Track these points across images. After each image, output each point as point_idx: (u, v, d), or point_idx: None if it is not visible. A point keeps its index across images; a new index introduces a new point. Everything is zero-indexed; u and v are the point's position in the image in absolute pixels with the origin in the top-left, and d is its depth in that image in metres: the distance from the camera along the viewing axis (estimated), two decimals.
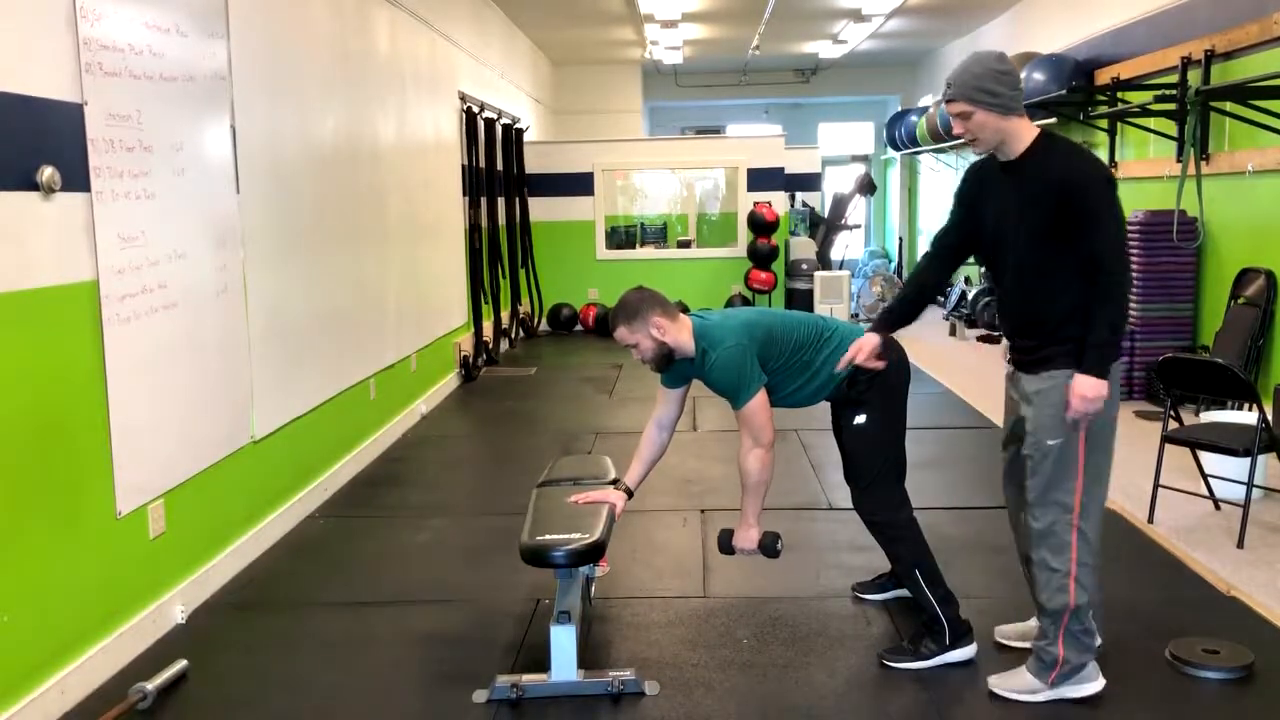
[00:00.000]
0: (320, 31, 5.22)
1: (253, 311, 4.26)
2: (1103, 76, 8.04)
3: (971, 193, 3.05)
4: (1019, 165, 2.84)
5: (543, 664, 3.04)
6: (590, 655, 3.22)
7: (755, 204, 10.94)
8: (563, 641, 2.99)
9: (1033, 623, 3.10)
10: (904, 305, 3.25)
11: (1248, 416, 4.60)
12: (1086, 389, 2.76)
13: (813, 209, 12.77)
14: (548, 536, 3.02)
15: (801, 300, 10.81)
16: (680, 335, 3.22)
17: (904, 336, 3.44)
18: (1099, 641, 2.96)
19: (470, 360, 8.25)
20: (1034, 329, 2.90)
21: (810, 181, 12.61)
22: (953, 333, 10.34)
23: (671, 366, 3.33)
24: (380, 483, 5.40)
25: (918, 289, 3.26)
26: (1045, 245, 2.81)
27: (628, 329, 3.23)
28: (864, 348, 3.13)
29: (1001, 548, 4.18)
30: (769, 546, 3.35)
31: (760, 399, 3.16)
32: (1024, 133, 2.83)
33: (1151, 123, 7.14)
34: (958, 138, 11.83)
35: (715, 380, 3.21)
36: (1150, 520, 4.39)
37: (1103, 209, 2.75)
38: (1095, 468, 2.89)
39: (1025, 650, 3.07)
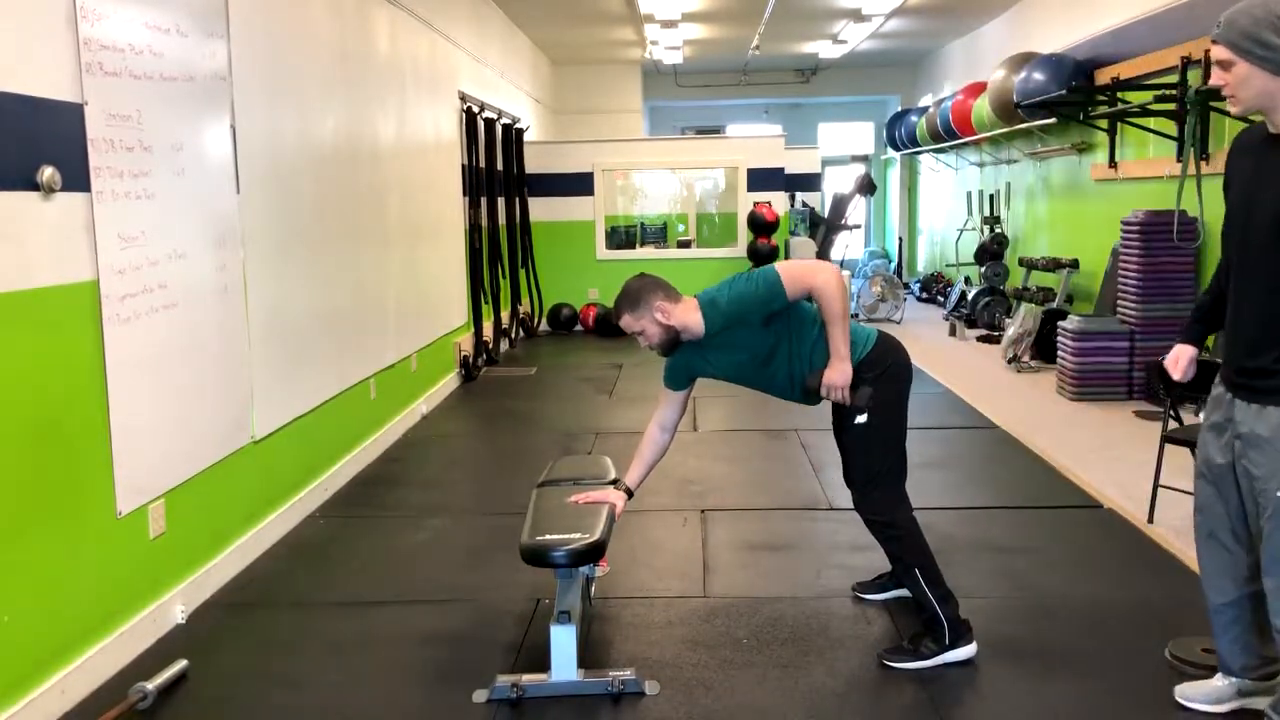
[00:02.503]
0: (320, 31, 5.22)
1: (253, 311, 4.26)
2: (1103, 76, 8.04)
3: (1229, 170, 2.58)
4: None
5: (543, 664, 3.04)
6: (590, 655, 3.22)
7: (755, 204, 10.95)
8: (563, 641, 2.99)
9: (1217, 682, 2.83)
10: (1204, 311, 2.84)
11: None
12: None
13: (813, 209, 12.77)
14: (548, 536, 3.02)
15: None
16: (686, 315, 3.17)
17: (904, 336, 3.44)
18: None
19: (470, 360, 8.26)
20: (1258, 350, 2.45)
21: (810, 181, 12.61)
22: (953, 333, 10.34)
23: (669, 360, 3.31)
24: (380, 483, 5.40)
25: (1214, 296, 2.78)
26: None
27: (632, 316, 3.19)
28: (1179, 359, 2.78)
29: (1002, 548, 4.19)
30: (861, 396, 3.11)
31: (784, 262, 3.17)
32: None
33: (1151, 123, 7.14)
34: (958, 137, 11.84)
35: (742, 303, 3.10)
36: (1150, 520, 4.39)
37: None
38: None
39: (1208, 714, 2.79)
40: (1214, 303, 2.77)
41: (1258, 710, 2.78)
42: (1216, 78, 2.44)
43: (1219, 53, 2.39)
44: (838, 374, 3.10)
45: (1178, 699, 2.89)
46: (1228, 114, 6.00)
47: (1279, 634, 2.51)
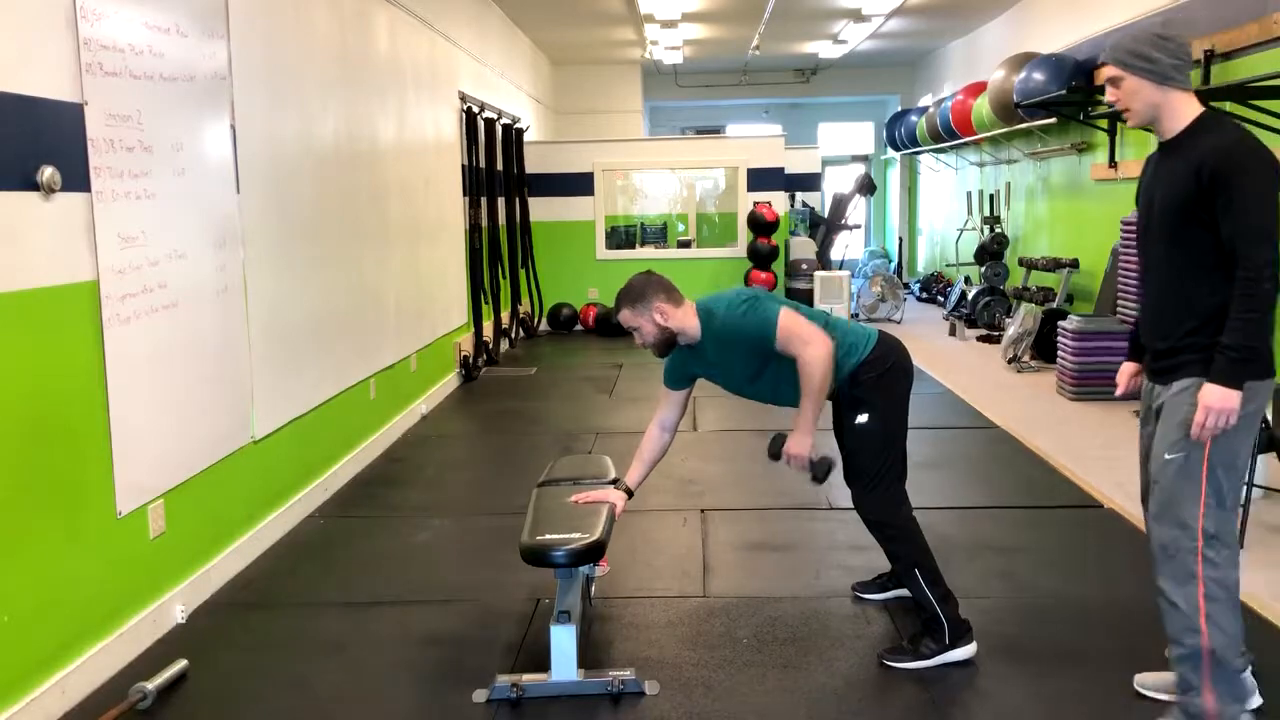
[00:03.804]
0: (320, 31, 5.23)
1: (253, 311, 4.26)
2: (1103, 76, 8.03)
3: (1142, 181, 2.76)
4: (1174, 145, 2.59)
5: (543, 664, 3.04)
6: (590, 655, 3.22)
7: (755, 204, 10.95)
8: (563, 641, 2.99)
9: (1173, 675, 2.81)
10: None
11: None
12: (1213, 399, 2.46)
13: (813, 209, 12.78)
14: (548, 536, 3.02)
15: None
16: (685, 319, 3.19)
17: (904, 336, 3.44)
18: (1253, 688, 2.72)
19: (470, 360, 8.26)
20: (1167, 332, 2.62)
21: (810, 181, 12.62)
22: (953, 333, 10.34)
23: (669, 359, 3.32)
24: (380, 483, 5.40)
25: None
26: (1182, 232, 2.54)
27: (631, 312, 3.21)
28: (1121, 376, 2.94)
29: (1001, 548, 4.19)
30: (819, 468, 3.18)
31: (789, 312, 3.08)
32: (1182, 109, 2.57)
33: None
34: (958, 137, 11.83)
35: (732, 335, 3.12)
36: None
37: (1244, 188, 2.43)
38: (1221, 490, 2.55)
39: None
40: None
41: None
42: (1110, 95, 2.66)
43: (1109, 71, 2.61)
44: (797, 446, 3.16)
45: (1135, 686, 2.95)
46: (1228, 114, 6.02)
47: (1159, 594, 2.64)
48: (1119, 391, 2.99)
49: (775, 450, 3.21)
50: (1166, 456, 2.59)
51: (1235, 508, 2.62)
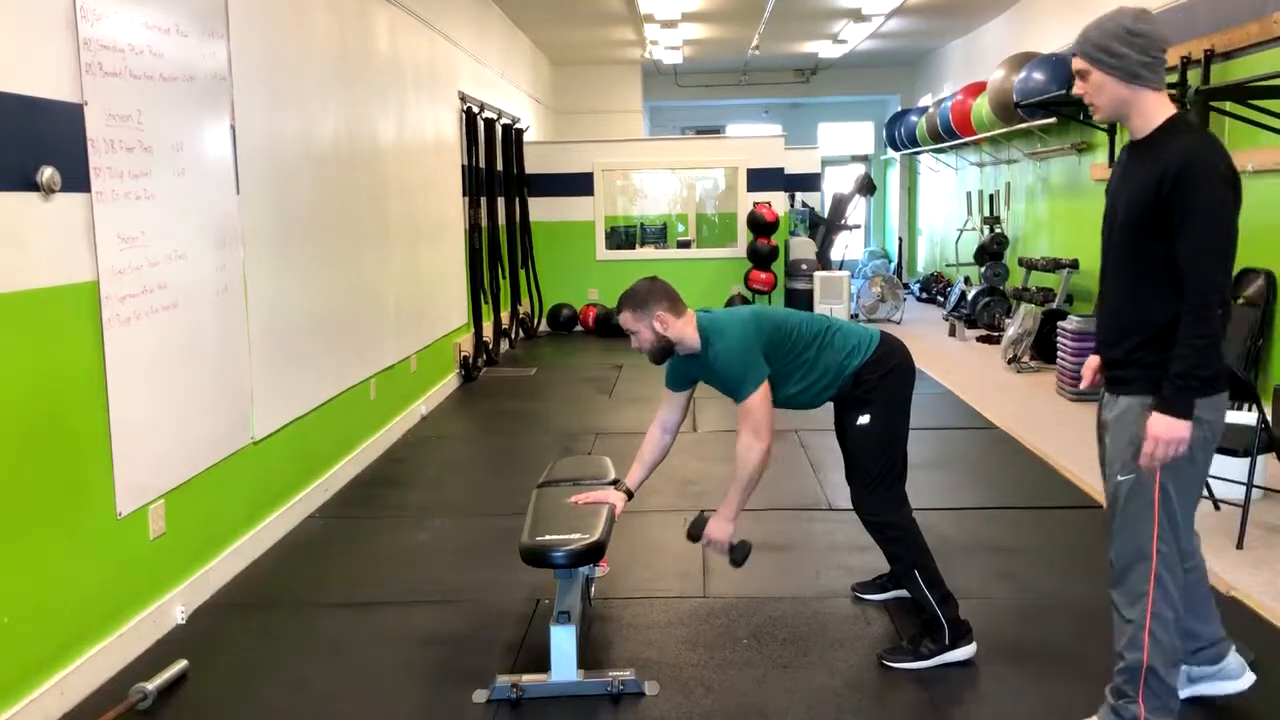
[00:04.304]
0: (320, 31, 5.23)
1: (253, 311, 4.26)
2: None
3: (1111, 180, 2.69)
4: (1144, 145, 2.50)
5: (543, 664, 3.04)
6: (590, 655, 3.22)
7: (755, 204, 10.95)
8: (563, 641, 2.99)
9: None
10: None
11: (1247, 417, 4.59)
12: (1159, 429, 2.39)
13: (813, 209, 12.78)
14: (548, 536, 3.03)
15: (801, 300, 10.82)
16: (685, 330, 3.22)
17: (904, 336, 3.44)
18: (1241, 668, 2.80)
19: (470, 360, 8.26)
20: (1119, 342, 2.56)
21: (810, 181, 12.61)
22: (952, 333, 10.34)
23: (670, 360, 3.33)
24: (380, 483, 5.41)
25: None
26: (1141, 243, 2.47)
27: (631, 315, 3.23)
28: (1087, 368, 2.87)
29: (1001, 548, 4.19)
30: (737, 552, 3.26)
31: (763, 393, 3.13)
32: (1152, 109, 2.47)
33: None
34: (958, 137, 11.80)
35: (720, 370, 3.19)
36: None
37: (1197, 203, 2.35)
38: (1173, 510, 2.51)
39: None
40: None
41: (1207, 697, 2.83)
42: (1078, 88, 2.57)
43: (1076, 64, 2.53)
44: (719, 532, 3.24)
45: None
46: (1228, 114, 6.03)
47: (1111, 605, 2.62)
48: (1084, 385, 2.93)
49: (695, 532, 3.28)
50: (1119, 478, 2.55)
51: (1189, 524, 2.60)
